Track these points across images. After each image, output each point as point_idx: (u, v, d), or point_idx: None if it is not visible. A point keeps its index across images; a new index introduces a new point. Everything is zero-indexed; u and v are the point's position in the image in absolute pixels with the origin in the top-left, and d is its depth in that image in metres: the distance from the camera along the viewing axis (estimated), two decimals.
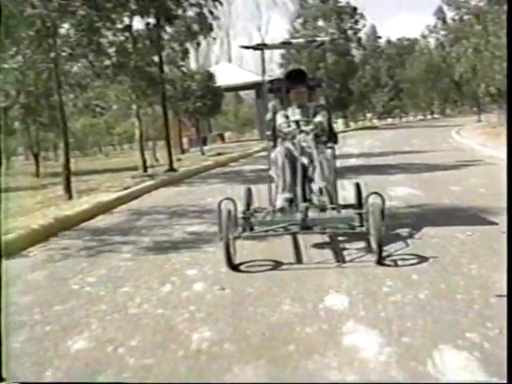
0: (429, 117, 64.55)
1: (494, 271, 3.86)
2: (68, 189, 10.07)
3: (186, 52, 14.87)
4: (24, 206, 8.93)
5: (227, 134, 34.36)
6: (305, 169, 4.92)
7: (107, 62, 11.44)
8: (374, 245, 4.30)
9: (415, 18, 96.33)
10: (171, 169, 13.15)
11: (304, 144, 4.98)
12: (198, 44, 15.18)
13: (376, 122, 52.14)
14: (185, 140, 24.03)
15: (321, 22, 38.70)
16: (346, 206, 5.24)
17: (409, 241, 4.92)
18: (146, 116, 25.38)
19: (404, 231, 5.32)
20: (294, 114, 5.31)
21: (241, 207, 4.83)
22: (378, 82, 47.52)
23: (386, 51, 51.29)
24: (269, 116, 5.48)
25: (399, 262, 4.23)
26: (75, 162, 26.50)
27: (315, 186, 4.85)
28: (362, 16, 39.66)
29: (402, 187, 8.43)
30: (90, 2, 10.48)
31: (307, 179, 4.94)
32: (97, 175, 15.36)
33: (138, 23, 13.18)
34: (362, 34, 43.28)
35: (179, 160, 16.26)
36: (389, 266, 4.16)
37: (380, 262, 4.19)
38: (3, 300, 3.21)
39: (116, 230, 6.39)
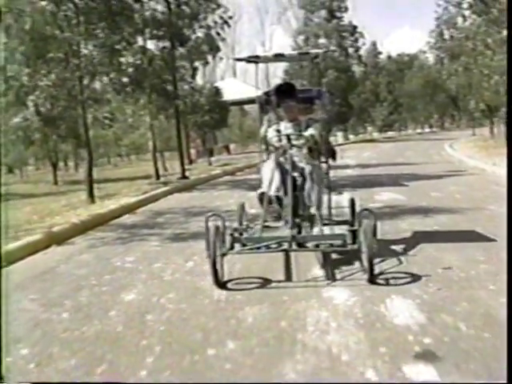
0: (427, 130, 65.92)
1: (444, 252, 4.94)
2: (91, 194, 11.24)
3: (195, 70, 16.10)
4: (54, 209, 10.03)
5: (232, 146, 35.49)
6: (296, 183, 4.84)
7: (125, 80, 12.61)
8: (365, 262, 4.19)
9: (416, 33, 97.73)
10: (183, 176, 14.31)
11: (296, 159, 4.92)
12: (207, 63, 16.37)
13: (376, 135, 53.40)
14: (192, 151, 25.20)
15: (322, 40, 40.18)
16: (339, 222, 5.24)
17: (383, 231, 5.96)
18: (155, 129, 26.54)
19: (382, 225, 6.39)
20: (286, 128, 5.24)
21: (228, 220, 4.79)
22: (378, 97, 48.86)
23: (386, 67, 52.62)
24: (263, 130, 5.40)
25: (391, 281, 4.15)
26: (83, 173, 27.60)
27: (307, 203, 4.82)
28: (362, 35, 41.32)
29: (389, 193, 9.51)
30: (112, 27, 11.70)
31: (299, 194, 4.87)
32: (110, 183, 16.49)
33: (151, 44, 14.46)
34: (362, 51, 44.80)
35: (189, 170, 17.40)
36: (380, 284, 4.08)
37: (371, 280, 4.09)
38: (3, 302, 3.64)
39: (142, 226, 7.53)
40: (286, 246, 4.40)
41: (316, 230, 4.60)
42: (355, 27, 40.97)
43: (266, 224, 4.76)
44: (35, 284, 4.75)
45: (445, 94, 42.58)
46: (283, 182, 4.77)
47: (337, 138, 40.72)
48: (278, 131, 5.17)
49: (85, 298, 4.20)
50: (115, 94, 12.95)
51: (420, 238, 5.61)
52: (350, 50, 41.39)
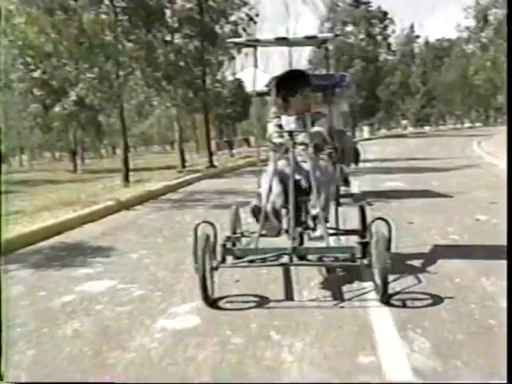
0: (467, 125, 68.21)
1: (432, 221, 7.93)
2: (127, 179, 14.36)
3: (220, 64, 19.21)
4: (96, 191, 13.09)
5: (252, 139, 38.52)
6: (300, 187, 4.76)
7: (158, 75, 15.74)
8: (377, 280, 4.10)
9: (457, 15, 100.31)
10: (211, 165, 17.48)
11: (300, 158, 4.86)
12: (233, 58, 19.44)
13: (410, 129, 56.13)
14: (212, 143, 28.30)
15: (350, 27, 43.20)
16: (348, 232, 5.30)
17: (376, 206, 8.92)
18: (168, 120, 29.57)
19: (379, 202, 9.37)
20: (288, 122, 5.19)
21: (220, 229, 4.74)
22: (409, 89, 51.68)
23: (421, 55, 55.42)
24: (270, 126, 5.34)
25: (408, 303, 4.08)
26: (95, 163, 30.84)
27: (311, 210, 4.68)
28: (392, 21, 44.15)
29: (394, 182, 12.46)
30: (149, 27, 14.88)
31: (302, 200, 4.78)
32: (134, 172, 19.61)
33: (178, 39, 17.56)
34: (395, 37, 47.69)
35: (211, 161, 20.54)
36: (395, 306, 4.02)
37: (385, 300, 4.03)
38: (3, 298, 3.85)
39: (186, 200, 10.71)
40: (285, 259, 4.31)
41: (321, 242, 4.44)
42: (385, 13, 43.90)
43: (264, 232, 4.62)
44: (128, 228, 7.92)
45: (489, 83, 44.59)
46: (284, 189, 4.70)
47: (362, 132, 43.73)
48: (279, 126, 5.17)
49: (167, 233, 7.31)
50: (147, 87, 16.13)
51: (402, 208, 8.64)
52: (379, 38, 44.25)
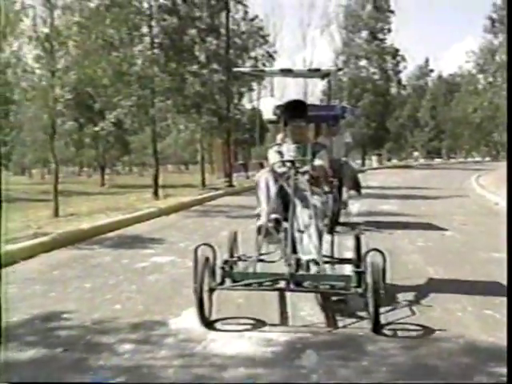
0: (477, 159, 70.52)
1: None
2: (156, 192, 16.71)
3: (241, 95, 21.66)
4: (130, 202, 15.36)
5: (265, 163, 40.91)
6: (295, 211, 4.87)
7: (187, 103, 18.13)
8: (370, 308, 4.22)
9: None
10: (230, 185, 19.84)
11: (301, 186, 5.02)
12: (252, 89, 21.92)
13: (420, 161, 58.44)
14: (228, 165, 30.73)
15: (362, 62, 45.97)
16: (342, 261, 5.56)
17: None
18: (183, 141, 31.91)
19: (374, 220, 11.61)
20: (289, 150, 5.44)
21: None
22: (417, 122, 54.24)
23: (431, 90, 58.03)
24: (271, 153, 5.61)
25: (399, 333, 4.23)
26: (114, 179, 33.18)
27: (306, 239, 4.80)
28: (404, 58, 46.90)
29: (388, 205, 14.69)
30: (181, 61, 17.31)
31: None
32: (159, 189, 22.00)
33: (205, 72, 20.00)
34: (407, 72, 50.39)
35: (228, 181, 22.90)
36: (386, 335, 4.17)
37: (376, 330, 4.18)
38: (3, 299, 4.16)
39: (212, 211, 13.03)
40: (282, 284, 4.46)
41: (317, 270, 4.61)
42: (397, 50, 46.65)
43: (261, 257, 4.83)
44: (171, 228, 10.24)
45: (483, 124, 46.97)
46: (284, 203, 4.98)
47: (371, 162, 46.18)
48: (280, 153, 5.45)
49: (201, 232, 9.60)
50: (177, 113, 18.53)
51: (388, 224, 10.87)
52: (391, 73, 46.97)
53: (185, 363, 3.68)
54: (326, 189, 5.51)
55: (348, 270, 5.23)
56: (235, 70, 6.72)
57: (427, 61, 69.68)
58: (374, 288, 4.12)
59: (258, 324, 4.43)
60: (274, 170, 5.20)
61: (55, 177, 12.39)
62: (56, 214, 11.54)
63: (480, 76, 26.94)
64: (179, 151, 42.46)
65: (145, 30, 17.01)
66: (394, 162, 59.59)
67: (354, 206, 13.24)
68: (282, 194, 5.00)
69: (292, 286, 4.43)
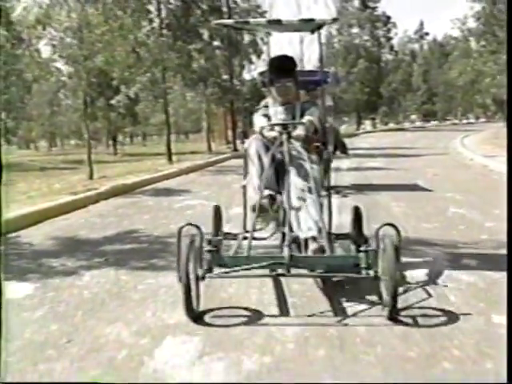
0: (471, 121, 72.88)
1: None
2: (170, 158, 19.10)
3: (242, 67, 23.91)
4: (150, 166, 17.76)
5: None
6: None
7: (194, 77, 20.46)
8: (384, 294, 3.74)
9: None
10: (235, 149, 22.25)
11: (294, 153, 4.46)
12: (251, 62, 24.17)
13: (417, 123, 60.76)
14: (229, 132, 33.05)
15: (355, 30, 48.09)
16: (339, 236, 4.91)
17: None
18: (183, 110, 34.20)
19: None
20: (277, 113, 4.94)
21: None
22: (410, 86, 56.47)
23: (424, 54, 60.12)
24: (257, 117, 5.05)
25: (420, 320, 3.73)
26: (120, 149, 35.33)
27: (308, 212, 4.31)
28: (395, 25, 49.14)
29: (374, 163, 17.05)
30: (188, 39, 19.58)
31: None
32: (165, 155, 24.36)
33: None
34: (399, 38, 52.44)
35: (229, 147, 25.31)
36: (405, 324, 3.66)
37: (393, 317, 3.65)
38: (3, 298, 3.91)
39: (223, 171, 15.45)
40: (280, 269, 3.89)
41: (312, 248, 4.17)
42: (388, 17, 48.82)
43: (248, 234, 4.26)
44: (193, 183, 12.72)
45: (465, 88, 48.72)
46: (276, 178, 4.52)
47: (365, 126, 48.56)
48: (266, 116, 4.95)
49: (217, 185, 12.01)
50: (185, 86, 20.86)
51: (373, 175, 13.26)
52: (383, 40, 49.18)
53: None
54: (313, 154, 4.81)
55: (347, 246, 4.77)
56: (216, 22, 5.79)
57: (422, 24, 71.68)
58: (390, 270, 3.59)
59: (255, 316, 3.88)
60: (264, 136, 4.67)
61: (88, 146, 14.69)
62: (91, 177, 13.88)
63: (471, 40, 28.90)
64: (181, 121, 44.68)
65: (153, 13, 19.21)
66: (391, 125, 61.91)
67: (344, 163, 15.53)
68: (273, 163, 4.48)
69: (293, 271, 3.89)
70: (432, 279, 4.68)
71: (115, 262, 5.54)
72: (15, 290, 4.67)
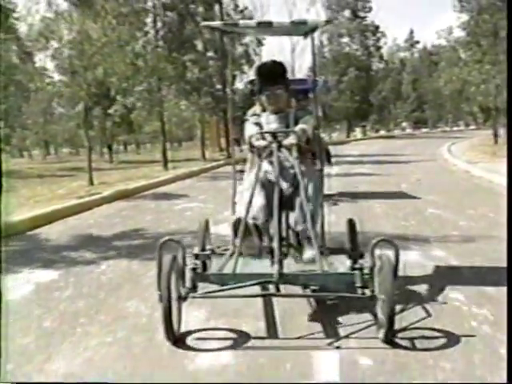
0: (461, 128, 74.05)
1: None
2: (166, 165, 19.87)
3: (234, 77, 24.72)
4: (147, 172, 18.51)
5: None
6: (282, 198, 4.09)
7: (187, 87, 21.27)
8: (380, 313, 3.56)
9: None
10: (229, 156, 23.03)
11: (286, 164, 4.31)
12: (243, 72, 25.02)
13: (408, 131, 61.83)
14: (222, 140, 33.87)
15: (345, 39, 49.13)
16: (334, 251, 4.62)
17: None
18: (176, 119, 35.08)
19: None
20: (269, 121, 4.65)
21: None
22: (400, 94, 57.57)
23: (413, 62, 61.31)
24: (248, 125, 4.78)
25: (417, 343, 3.54)
26: (118, 157, 36.01)
27: (296, 226, 4.23)
28: (384, 34, 50.25)
29: (362, 169, 17.86)
30: (183, 50, 20.39)
31: (285, 211, 4.28)
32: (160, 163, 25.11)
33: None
34: (391, 46, 53.52)
35: (223, 155, 26.08)
36: (401, 346, 3.49)
37: (389, 339, 3.50)
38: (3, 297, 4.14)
39: (217, 177, 16.20)
40: (269, 287, 3.82)
41: (309, 255, 4.05)
42: (377, 27, 49.95)
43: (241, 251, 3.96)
44: (190, 188, 13.48)
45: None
46: (267, 201, 4.20)
47: (356, 133, 49.51)
48: (258, 125, 4.65)
49: (213, 190, 12.76)
50: (179, 96, 21.66)
51: (359, 180, 14.05)
52: (372, 49, 50.29)
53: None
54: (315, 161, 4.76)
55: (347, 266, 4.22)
56: (203, 24, 5.35)
57: (412, 32, 73.02)
58: (388, 289, 3.41)
59: (241, 338, 3.70)
60: (253, 145, 4.52)
61: (89, 154, 15.43)
62: (91, 183, 14.60)
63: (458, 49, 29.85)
64: (174, 129, 45.44)
65: (149, 25, 20.03)
66: (382, 132, 63.00)
67: (333, 170, 16.31)
68: (263, 177, 4.33)
69: (282, 291, 3.78)
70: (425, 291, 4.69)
71: (126, 254, 6.29)
72: (42, 276, 5.43)
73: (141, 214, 9.49)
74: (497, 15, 22.72)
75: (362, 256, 4.21)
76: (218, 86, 24.04)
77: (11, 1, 14.55)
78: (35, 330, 3.97)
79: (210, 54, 21.92)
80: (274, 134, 4.30)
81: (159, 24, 20.44)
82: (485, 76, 23.29)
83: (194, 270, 3.83)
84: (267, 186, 4.29)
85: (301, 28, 4.65)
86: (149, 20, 19.91)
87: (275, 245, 3.83)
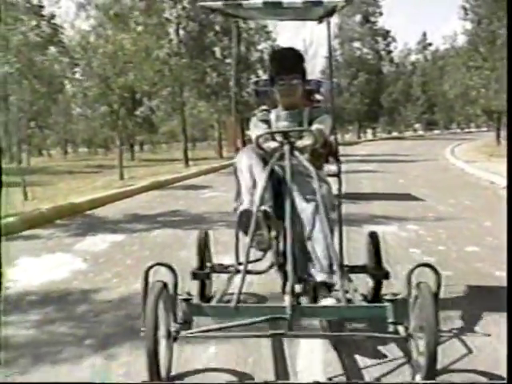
0: (473, 130, 75.65)
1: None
2: (187, 162, 21.78)
3: (249, 79, 26.66)
4: (169, 169, 20.38)
5: None
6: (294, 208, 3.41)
7: (207, 91, 23.17)
8: (416, 354, 2.87)
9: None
10: None
11: (300, 168, 3.50)
12: (258, 77, 26.84)
13: (420, 132, 63.52)
14: (238, 141, 35.80)
15: (357, 43, 51.04)
16: (354, 269, 4.10)
17: None
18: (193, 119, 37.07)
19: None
20: (279, 119, 3.97)
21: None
22: (409, 97, 59.33)
23: (422, 65, 63.07)
24: (255, 122, 4.05)
25: None
26: (138, 156, 37.82)
27: (317, 245, 3.39)
28: (394, 39, 52.17)
29: (368, 166, 19.61)
30: (203, 58, 22.33)
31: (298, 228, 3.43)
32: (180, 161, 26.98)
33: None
34: (399, 51, 55.24)
35: None
36: None
37: None
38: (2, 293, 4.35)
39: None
40: (280, 327, 3.03)
41: (331, 299, 3.23)
42: (388, 31, 51.89)
43: (241, 267, 3.35)
44: (212, 181, 15.33)
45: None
46: (276, 194, 3.49)
47: (367, 135, 51.34)
48: (267, 123, 3.97)
49: (233, 183, 14.65)
50: (199, 99, 23.57)
51: (363, 177, 15.85)
52: (383, 53, 52.22)
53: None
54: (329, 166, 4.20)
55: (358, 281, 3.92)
56: (201, 4, 4.64)
57: (425, 34, 74.48)
58: (429, 327, 2.68)
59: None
60: (260, 147, 3.68)
61: (120, 152, 17.38)
62: (121, 177, 16.49)
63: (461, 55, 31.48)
64: (189, 130, 47.32)
65: (172, 35, 21.99)
66: (394, 134, 64.87)
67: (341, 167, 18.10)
68: (272, 181, 3.50)
69: (295, 331, 3.02)
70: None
71: (170, 226, 8.19)
72: (113, 238, 7.34)
73: (174, 200, 11.38)
74: (496, 23, 24.43)
75: (387, 276, 3.93)
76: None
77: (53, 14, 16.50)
78: (121, 265, 5.85)
79: (227, 60, 23.75)
80: (286, 134, 3.54)
81: (181, 32, 22.35)
82: (485, 81, 25.02)
83: (186, 301, 3.04)
84: (275, 183, 3.54)
85: (315, 10, 3.97)
86: (171, 29, 21.84)
87: (289, 268, 3.11)
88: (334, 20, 51.61)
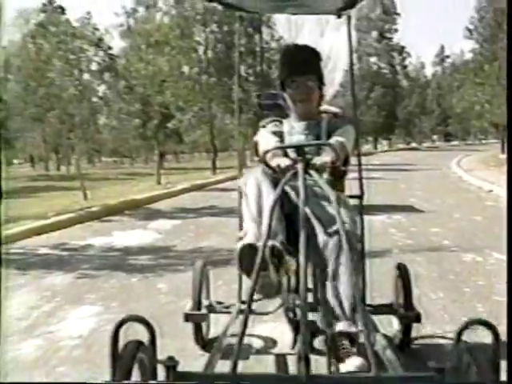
0: (491, 141, 77.77)
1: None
2: (214, 170, 24.50)
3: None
4: (196, 176, 23.03)
5: None
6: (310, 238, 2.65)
7: (233, 106, 25.81)
8: None
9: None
10: None
11: (316, 189, 2.92)
12: (274, 87, 29.60)
13: (437, 143, 65.93)
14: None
15: (373, 58, 53.88)
16: (378, 308, 3.61)
17: None
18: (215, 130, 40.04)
19: None
20: (294, 131, 3.35)
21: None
22: (425, 109, 61.94)
23: (437, 79, 65.72)
24: (264, 134, 3.40)
25: None
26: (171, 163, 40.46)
27: (341, 286, 2.72)
28: (409, 54, 55.10)
29: (376, 174, 22.05)
30: (229, 76, 25.07)
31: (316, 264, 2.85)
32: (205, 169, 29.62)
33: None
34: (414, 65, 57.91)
35: None
36: None
37: None
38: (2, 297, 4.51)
39: None
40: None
41: (350, 369, 2.47)
42: (403, 47, 54.83)
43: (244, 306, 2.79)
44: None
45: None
46: (288, 224, 2.84)
47: (382, 146, 53.99)
48: (278, 135, 3.33)
49: None
50: (225, 113, 26.33)
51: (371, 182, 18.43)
52: (398, 68, 55.09)
53: None
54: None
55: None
56: None
57: (443, 48, 76.98)
58: None
59: None
60: (268, 165, 2.97)
61: (159, 160, 20.24)
62: (158, 182, 19.11)
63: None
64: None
65: (202, 56, 24.85)
66: (413, 145, 67.36)
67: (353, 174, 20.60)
68: (283, 207, 2.86)
69: None
70: None
71: (213, 215, 10.85)
72: (172, 222, 10.02)
73: (211, 199, 14.01)
74: (498, 44, 26.90)
75: (418, 319, 3.43)
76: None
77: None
78: (185, 236, 8.49)
79: (251, 78, 26.54)
80: (300, 149, 2.85)
81: (209, 53, 25.19)
82: (488, 97, 27.49)
83: (169, 368, 2.13)
84: (288, 209, 2.89)
85: (333, 2, 3.56)
86: (201, 51, 24.71)
87: (301, 321, 2.34)
88: (354, 34, 54.56)
